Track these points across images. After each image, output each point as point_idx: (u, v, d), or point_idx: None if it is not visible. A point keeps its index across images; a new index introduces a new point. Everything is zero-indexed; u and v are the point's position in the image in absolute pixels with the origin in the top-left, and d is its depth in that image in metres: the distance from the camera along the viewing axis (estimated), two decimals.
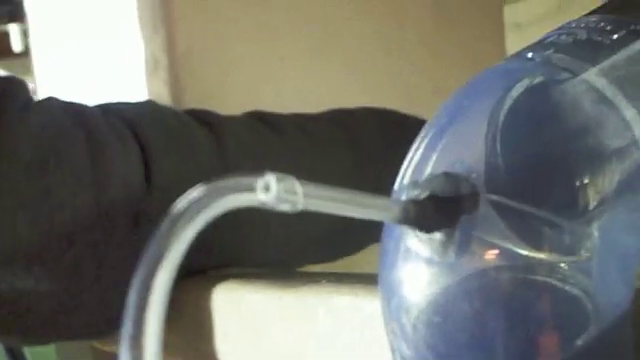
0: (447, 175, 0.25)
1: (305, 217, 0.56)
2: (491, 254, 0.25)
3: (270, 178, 0.21)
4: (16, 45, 1.71)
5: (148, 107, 0.59)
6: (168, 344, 0.58)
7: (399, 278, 0.26)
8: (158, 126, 0.55)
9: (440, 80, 1.06)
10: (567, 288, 0.28)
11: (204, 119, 0.57)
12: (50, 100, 0.55)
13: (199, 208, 0.21)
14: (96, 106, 0.57)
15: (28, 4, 1.13)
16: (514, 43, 1.20)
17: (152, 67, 0.93)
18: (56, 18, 1.10)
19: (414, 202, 0.24)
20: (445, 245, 0.25)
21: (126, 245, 0.52)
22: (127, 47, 0.94)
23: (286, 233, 0.57)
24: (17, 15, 1.63)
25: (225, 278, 0.55)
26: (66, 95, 0.58)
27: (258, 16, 0.94)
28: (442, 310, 0.25)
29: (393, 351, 0.27)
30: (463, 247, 0.25)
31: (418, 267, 0.26)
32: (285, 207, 0.21)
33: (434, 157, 0.27)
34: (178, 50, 0.91)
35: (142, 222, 0.52)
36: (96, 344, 0.67)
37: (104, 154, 0.52)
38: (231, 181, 0.21)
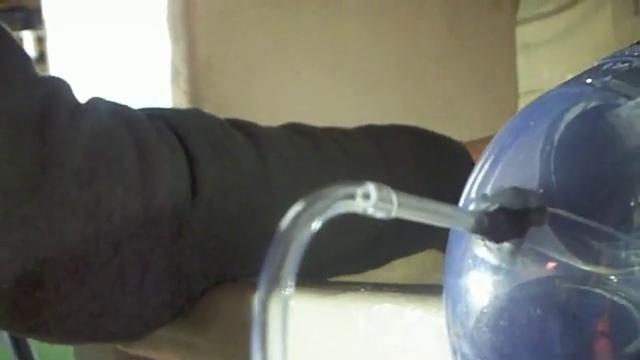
0: (516, 189, 0.27)
1: (338, 231, 0.57)
2: (552, 264, 0.27)
3: (370, 187, 0.23)
4: (29, 52, 1.72)
5: (195, 115, 0.59)
6: (201, 349, 0.60)
7: (466, 284, 0.28)
8: (205, 136, 0.56)
9: (452, 99, 1.08)
10: (616, 299, 0.30)
11: (246, 130, 0.58)
12: (96, 102, 0.55)
13: (307, 218, 0.23)
14: (140, 110, 0.57)
15: (45, 11, 1.14)
16: (522, 63, 1.22)
17: (172, 77, 0.94)
18: (74, 25, 1.11)
19: (488, 214, 0.26)
20: (513, 254, 0.27)
21: (169, 254, 0.53)
22: (150, 56, 0.95)
23: (318, 246, 0.58)
24: (31, 22, 1.64)
25: (252, 284, 0.56)
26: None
27: (276, 32, 0.95)
28: (506, 314, 0.27)
29: (454, 353, 0.29)
30: (529, 256, 0.27)
31: (485, 274, 0.27)
32: (380, 214, 0.23)
33: (498, 172, 0.29)
34: (198, 61, 0.93)
35: (185, 233, 0.53)
36: (120, 347, 0.68)
37: (152, 162, 0.53)
38: (333, 190, 0.23)
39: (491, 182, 0.29)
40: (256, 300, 0.23)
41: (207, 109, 0.89)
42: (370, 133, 0.64)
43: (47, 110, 0.51)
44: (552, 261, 0.27)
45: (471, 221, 0.26)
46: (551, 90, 0.31)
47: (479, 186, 0.29)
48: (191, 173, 0.54)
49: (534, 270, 0.27)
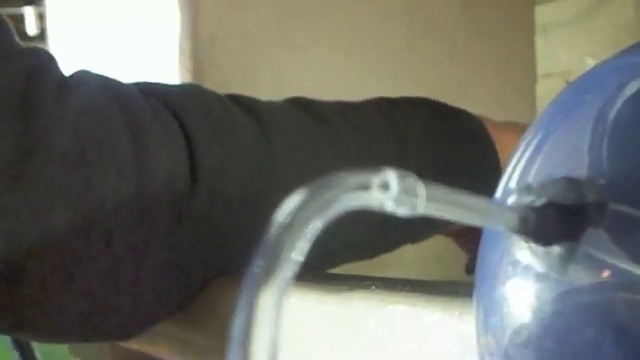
0: (569, 180, 0.22)
1: (345, 217, 0.53)
2: (610, 272, 0.22)
3: (390, 175, 0.18)
4: (31, 29, 1.68)
5: (193, 92, 0.54)
6: (197, 345, 0.55)
7: (503, 294, 0.23)
8: (204, 114, 0.51)
9: (467, 82, 1.04)
10: None
11: (247, 106, 0.53)
12: (84, 76, 0.50)
13: (310, 213, 0.18)
14: (133, 84, 0.52)
15: None
16: (540, 45, 1.18)
17: (177, 53, 0.90)
18: (74, 1, 1.08)
19: (534, 209, 0.21)
20: (564, 260, 0.21)
21: (166, 246, 0.48)
22: (153, 33, 0.91)
23: (326, 233, 0.53)
24: None
25: None
26: None
27: (282, 5, 0.91)
28: (552, 332, 0.22)
29: None
30: (583, 263, 0.22)
31: (528, 283, 0.22)
32: (403, 210, 0.18)
33: (543, 158, 0.24)
34: (201, 38, 0.89)
35: (184, 222, 0.48)
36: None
37: (148, 144, 0.48)
38: (342, 179, 0.18)
39: (534, 170, 0.24)
40: (239, 305, 0.18)
41: (210, 86, 0.84)
42: (380, 106, 0.59)
43: (30, 86, 0.46)
44: (610, 268, 0.22)
45: (514, 219, 0.21)
46: (607, 60, 0.26)
47: (521, 175, 0.24)
48: (190, 156, 0.49)
49: (588, 279, 0.22)
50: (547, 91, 1.16)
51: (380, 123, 0.57)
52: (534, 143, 0.24)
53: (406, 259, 0.72)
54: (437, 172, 0.58)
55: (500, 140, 0.60)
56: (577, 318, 0.22)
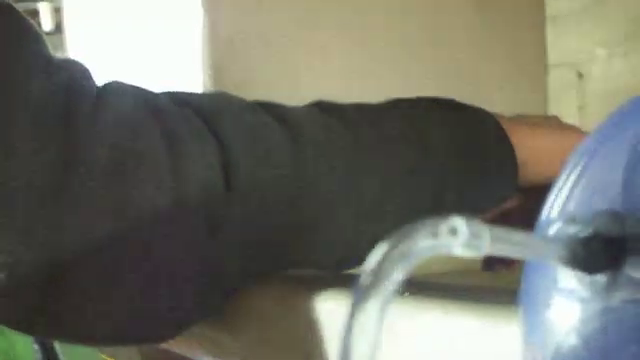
0: (612, 213, 0.23)
1: (373, 217, 0.54)
2: None
3: (458, 222, 0.19)
4: (46, 24, 1.69)
5: (223, 100, 0.55)
6: (227, 347, 0.57)
7: (548, 315, 0.25)
8: (236, 123, 0.52)
9: (481, 73, 1.05)
10: None
11: (276, 113, 0.54)
12: (117, 87, 0.51)
13: (392, 262, 0.19)
14: (163, 94, 0.53)
15: None
16: (550, 35, 1.18)
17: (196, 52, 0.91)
18: None
19: (581, 242, 0.23)
20: (608, 287, 0.23)
21: (203, 254, 0.50)
22: (171, 29, 0.92)
23: (355, 233, 0.55)
24: None
25: (289, 282, 0.53)
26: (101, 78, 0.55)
27: (301, 7, 0.92)
28: (597, 350, 0.24)
29: None
30: (627, 289, 0.23)
31: (573, 308, 0.24)
32: (469, 253, 0.20)
33: (581, 188, 0.25)
34: (220, 39, 0.89)
35: (220, 229, 0.50)
36: None
37: (183, 154, 0.49)
38: (416, 230, 0.19)
39: (575, 200, 0.25)
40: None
41: (228, 87, 0.85)
42: (400, 108, 0.60)
43: (69, 100, 0.47)
44: None
45: (563, 251, 0.22)
46: None
47: (562, 205, 0.26)
48: (224, 165, 0.50)
49: (631, 300, 0.23)
50: (558, 82, 1.16)
51: (402, 126, 0.58)
52: (575, 174, 0.26)
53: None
54: (458, 173, 0.59)
55: (513, 135, 0.61)
56: (620, 336, 0.23)
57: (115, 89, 0.51)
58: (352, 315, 0.20)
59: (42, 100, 0.46)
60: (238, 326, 0.55)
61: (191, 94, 0.55)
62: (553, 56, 1.18)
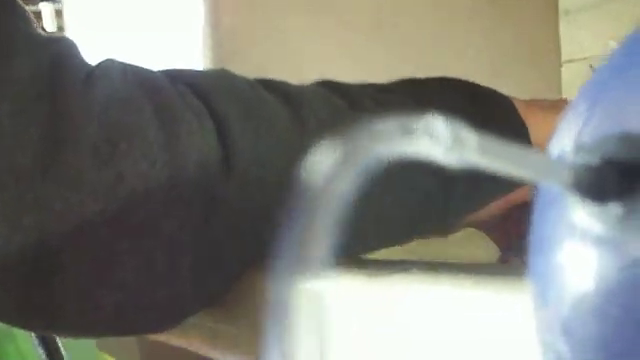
0: (625, 136, 0.21)
1: (375, 197, 0.51)
2: None
3: (436, 121, 0.17)
4: (48, 25, 1.68)
5: (222, 77, 0.53)
6: (228, 336, 0.54)
7: (560, 262, 0.22)
8: (235, 99, 0.50)
9: (494, 68, 1.03)
10: None
11: (279, 90, 0.52)
12: (110, 64, 0.49)
13: (347, 164, 0.16)
14: (160, 72, 0.51)
15: None
16: (563, 30, 1.17)
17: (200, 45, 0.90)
18: None
19: (588, 166, 0.20)
20: (624, 220, 0.20)
21: (200, 236, 0.47)
22: (173, 25, 0.91)
23: (357, 214, 0.52)
24: None
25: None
26: None
27: None
28: (618, 300, 0.21)
29: (545, 347, 0.23)
30: None
31: (586, 247, 0.21)
32: (450, 159, 0.17)
33: (598, 118, 0.22)
34: (223, 28, 0.88)
35: (219, 210, 0.47)
36: None
37: (178, 131, 0.47)
38: (383, 125, 0.17)
39: (589, 130, 0.22)
40: (273, 286, 0.16)
41: None
42: (409, 87, 0.58)
43: (56, 77, 0.45)
44: None
45: (568, 175, 0.20)
46: None
47: (574, 135, 0.23)
48: (222, 142, 0.48)
49: None
50: (571, 77, 1.15)
51: (411, 104, 0.56)
52: (586, 103, 0.23)
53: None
54: None
55: (527, 117, 0.60)
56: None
57: (108, 66, 0.49)
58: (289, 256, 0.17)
59: (24, 79, 0.44)
60: (239, 316, 0.52)
61: (186, 70, 0.53)
62: (566, 50, 1.16)
